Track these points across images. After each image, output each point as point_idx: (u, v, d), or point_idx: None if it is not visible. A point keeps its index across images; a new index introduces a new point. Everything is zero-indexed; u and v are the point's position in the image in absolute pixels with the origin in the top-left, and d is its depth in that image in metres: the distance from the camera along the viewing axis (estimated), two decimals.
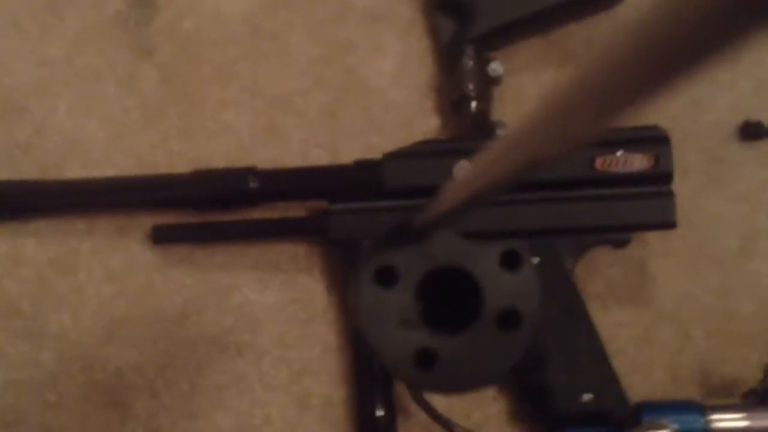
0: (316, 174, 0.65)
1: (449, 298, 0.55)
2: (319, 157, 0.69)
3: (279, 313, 0.67)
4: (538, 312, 0.49)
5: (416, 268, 0.55)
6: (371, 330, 0.49)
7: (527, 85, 0.70)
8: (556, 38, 0.71)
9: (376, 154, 0.65)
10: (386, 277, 0.57)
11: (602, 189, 0.61)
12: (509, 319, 0.48)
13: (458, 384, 0.56)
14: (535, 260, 0.61)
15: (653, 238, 0.67)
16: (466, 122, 0.66)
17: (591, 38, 0.70)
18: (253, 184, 0.64)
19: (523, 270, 0.51)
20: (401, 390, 0.63)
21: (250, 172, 0.65)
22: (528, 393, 0.63)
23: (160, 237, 0.66)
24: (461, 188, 0.36)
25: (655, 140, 0.61)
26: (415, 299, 0.51)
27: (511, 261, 0.49)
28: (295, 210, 0.67)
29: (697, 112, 0.70)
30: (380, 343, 0.51)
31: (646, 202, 0.61)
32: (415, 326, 0.52)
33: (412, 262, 0.55)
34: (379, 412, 0.62)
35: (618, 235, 0.62)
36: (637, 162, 0.61)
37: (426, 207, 0.46)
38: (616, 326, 0.66)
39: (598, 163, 0.61)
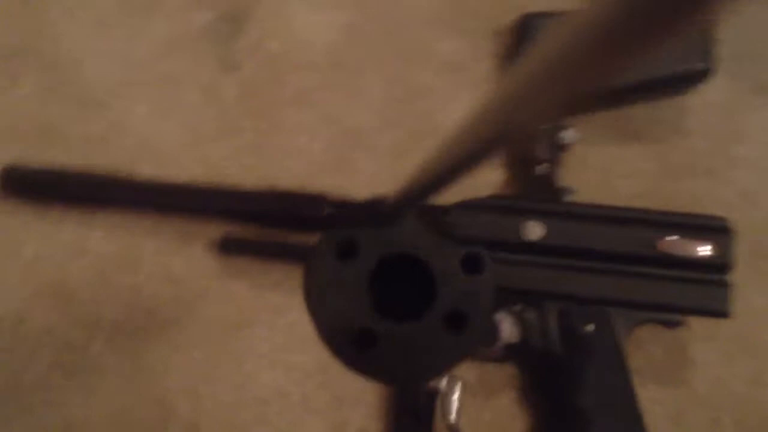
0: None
1: (403, 288, 0.55)
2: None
3: None
4: (486, 320, 0.49)
5: (377, 249, 0.54)
6: (319, 298, 0.48)
7: (591, 156, 0.72)
8: (625, 115, 0.73)
9: (439, 199, 0.67)
10: (346, 251, 0.58)
11: (662, 269, 0.64)
12: (457, 320, 0.49)
13: (390, 372, 0.56)
14: (591, 327, 0.63)
15: (697, 322, 0.69)
16: (531, 182, 0.68)
17: (656, 119, 0.73)
18: (327, 210, 0.66)
19: (481, 276, 0.51)
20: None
21: (324, 198, 0.66)
22: None
23: (227, 248, 0.67)
24: (428, 167, 0.36)
25: (720, 231, 0.63)
26: (370, 280, 0.51)
27: (472, 265, 0.49)
28: None
29: (748, 205, 0.72)
30: (324, 313, 0.51)
31: (702, 288, 0.63)
32: (363, 305, 0.52)
33: (375, 242, 0.55)
34: None
35: (671, 316, 0.64)
36: (699, 249, 0.63)
37: (397, 191, 0.46)
38: (651, 402, 0.68)
39: (660, 244, 0.63)
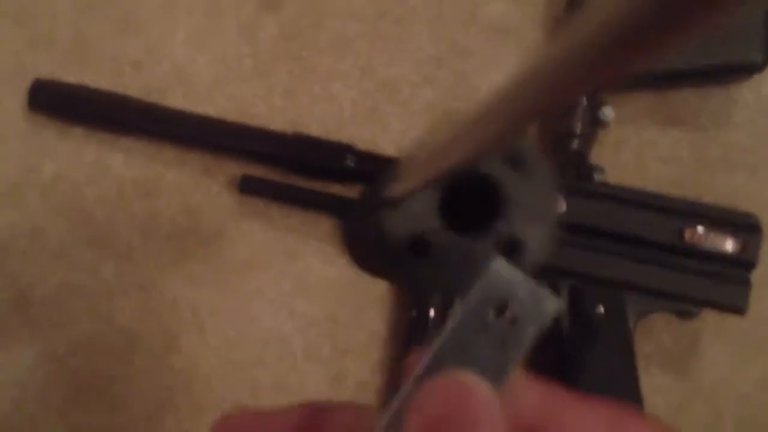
0: None
1: (465, 205, 0.54)
2: None
3: (336, 290, 0.68)
4: (540, 255, 0.47)
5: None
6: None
7: (629, 136, 0.71)
8: (668, 99, 0.71)
9: None
10: None
11: (684, 259, 0.62)
12: (513, 247, 0.48)
13: (434, 282, 0.54)
14: (600, 309, 0.62)
15: (711, 315, 0.68)
16: (563, 158, 0.67)
17: (701, 108, 0.71)
18: (349, 162, 0.65)
19: None
20: None
21: (349, 150, 0.66)
22: None
23: (247, 187, 0.67)
24: (437, 156, 0.35)
25: (749, 228, 0.62)
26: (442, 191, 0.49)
27: None
28: None
29: None
30: (391, 215, 0.49)
31: (723, 283, 0.62)
32: (430, 212, 0.51)
33: None
34: None
35: (687, 306, 0.63)
36: (725, 244, 0.62)
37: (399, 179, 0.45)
38: (654, 390, 0.67)
39: (687, 234, 0.62)
